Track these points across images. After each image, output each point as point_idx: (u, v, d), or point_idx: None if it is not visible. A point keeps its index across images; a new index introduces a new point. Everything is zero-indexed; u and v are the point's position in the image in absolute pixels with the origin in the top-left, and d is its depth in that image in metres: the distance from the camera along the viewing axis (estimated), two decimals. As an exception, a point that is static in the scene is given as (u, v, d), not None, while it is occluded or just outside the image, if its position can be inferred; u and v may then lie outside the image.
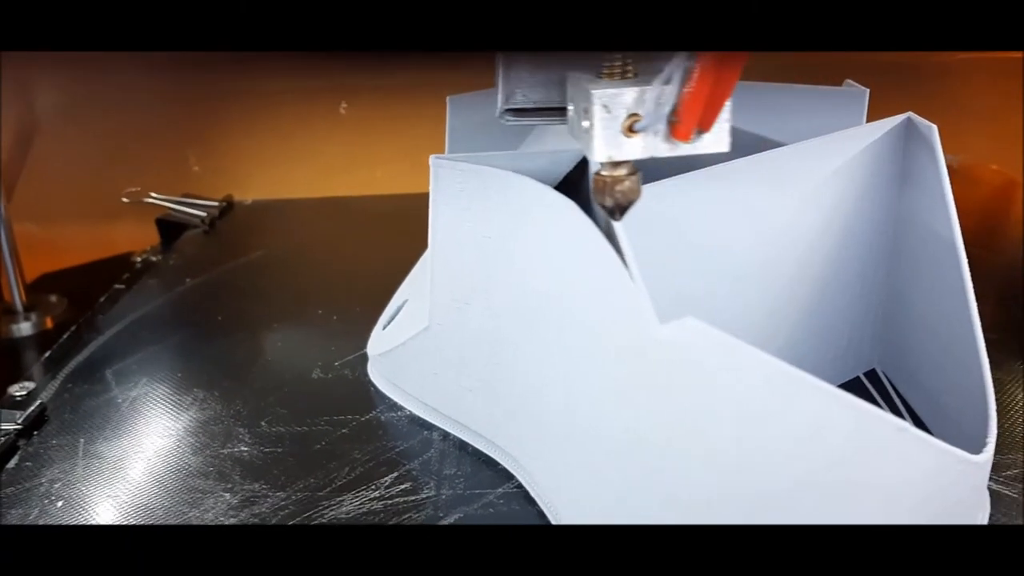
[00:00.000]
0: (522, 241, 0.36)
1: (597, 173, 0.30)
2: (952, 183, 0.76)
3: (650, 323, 0.24)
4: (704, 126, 0.28)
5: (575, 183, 0.38)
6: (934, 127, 0.39)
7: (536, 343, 0.36)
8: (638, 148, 0.28)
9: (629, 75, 0.29)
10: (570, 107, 0.33)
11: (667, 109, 0.27)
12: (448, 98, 0.51)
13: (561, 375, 0.34)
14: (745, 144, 0.47)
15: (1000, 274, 0.61)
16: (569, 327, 0.32)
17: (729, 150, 0.29)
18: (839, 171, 0.39)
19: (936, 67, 0.86)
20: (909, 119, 0.40)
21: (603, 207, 0.30)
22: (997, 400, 0.44)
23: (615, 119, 0.28)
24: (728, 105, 0.28)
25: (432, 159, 0.38)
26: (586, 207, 0.36)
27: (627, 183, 0.29)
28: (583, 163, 0.38)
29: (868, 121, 0.43)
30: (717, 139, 0.29)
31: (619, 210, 0.30)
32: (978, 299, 0.56)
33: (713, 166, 0.38)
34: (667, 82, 0.27)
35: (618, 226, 0.30)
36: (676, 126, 0.28)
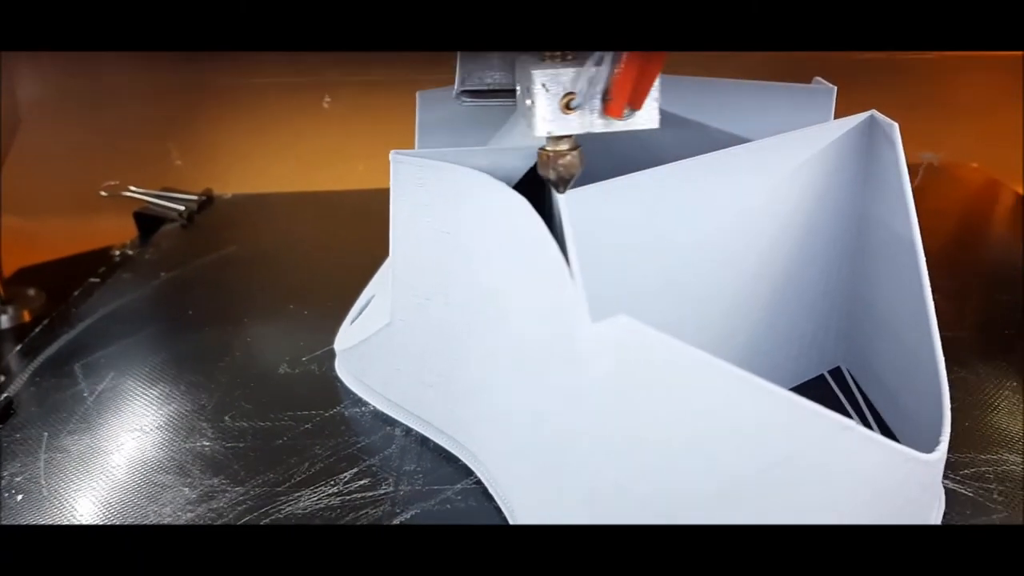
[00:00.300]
0: (477, 237, 0.36)
1: (542, 148, 0.33)
2: (931, 181, 0.76)
3: (583, 321, 0.24)
4: (635, 104, 0.30)
5: (538, 181, 0.38)
6: (895, 125, 0.38)
7: (488, 339, 0.36)
8: (575, 124, 0.31)
9: (568, 58, 0.31)
10: (519, 87, 0.35)
11: (599, 88, 0.30)
12: (418, 93, 0.50)
13: (508, 372, 0.34)
14: (711, 140, 0.47)
15: (972, 273, 0.61)
16: (515, 324, 0.32)
17: (658, 126, 0.32)
18: (801, 168, 0.39)
19: (921, 64, 0.86)
20: (872, 117, 0.40)
21: (547, 180, 0.33)
22: (962, 399, 0.44)
23: (554, 97, 0.30)
24: (657, 85, 0.30)
25: (392, 154, 0.38)
26: (548, 204, 0.36)
27: (568, 157, 0.32)
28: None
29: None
30: (647, 116, 0.31)
31: (562, 183, 0.33)
32: (948, 298, 0.56)
33: (675, 162, 0.38)
34: (598, 64, 0.29)
35: (567, 222, 0.30)
36: (609, 104, 0.30)
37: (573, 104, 0.30)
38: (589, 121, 0.31)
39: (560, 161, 0.32)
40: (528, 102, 0.31)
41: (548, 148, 0.32)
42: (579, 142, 0.32)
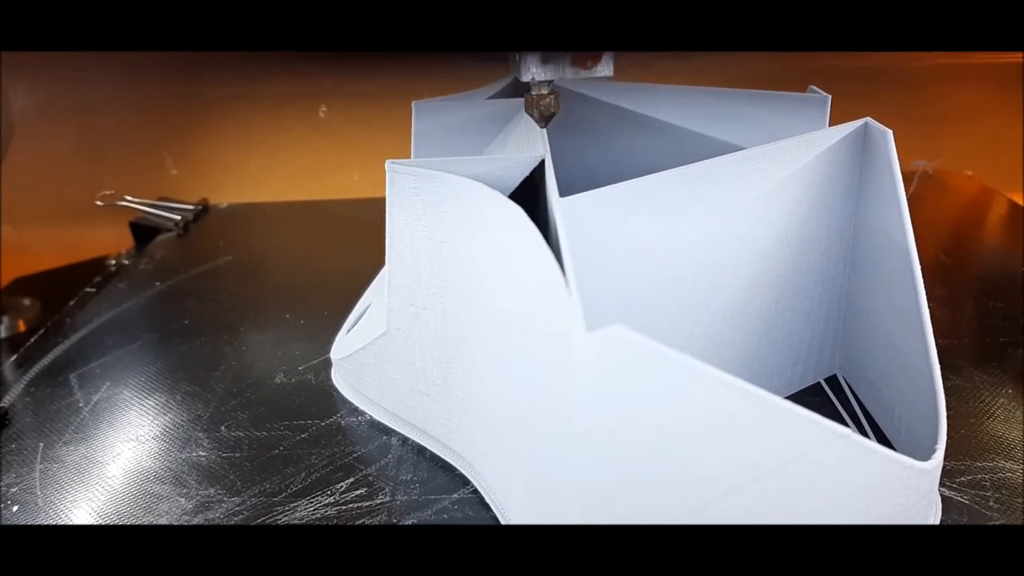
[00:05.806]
0: (473, 246, 0.36)
1: (527, 93, 0.43)
2: (926, 189, 0.76)
3: (578, 330, 0.24)
4: (594, 61, 0.42)
5: (532, 190, 0.38)
6: (889, 132, 0.39)
7: (483, 348, 0.36)
8: (551, 72, 0.42)
9: None
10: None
11: None
12: (413, 103, 0.50)
13: (503, 381, 0.34)
14: (706, 149, 0.47)
15: (967, 281, 0.61)
16: (510, 333, 0.32)
17: (612, 75, 0.43)
18: (795, 176, 0.39)
19: (915, 73, 0.87)
20: (866, 124, 0.40)
21: (532, 116, 0.43)
22: (958, 407, 0.44)
23: (536, 53, 0.42)
24: None
25: (388, 164, 0.38)
26: (543, 213, 0.36)
27: (548, 99, 0.43)
28: (540, 169, 0.38)
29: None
30: (604, 67, 0.42)
31: (543, 119, 0.43)
32: (943, 305, 0.56)
33: (670, 170, 0.38)
34: None
35: (562, 231, 0.30)
36: (575, 58, 0.42)
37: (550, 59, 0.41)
38: (562, 70, 0.42)
39: (542, 102, 0.43)
40: (517, 57, 0.43)
41: (533, 92, 0.43)
42: (555, 89, 0.43)
